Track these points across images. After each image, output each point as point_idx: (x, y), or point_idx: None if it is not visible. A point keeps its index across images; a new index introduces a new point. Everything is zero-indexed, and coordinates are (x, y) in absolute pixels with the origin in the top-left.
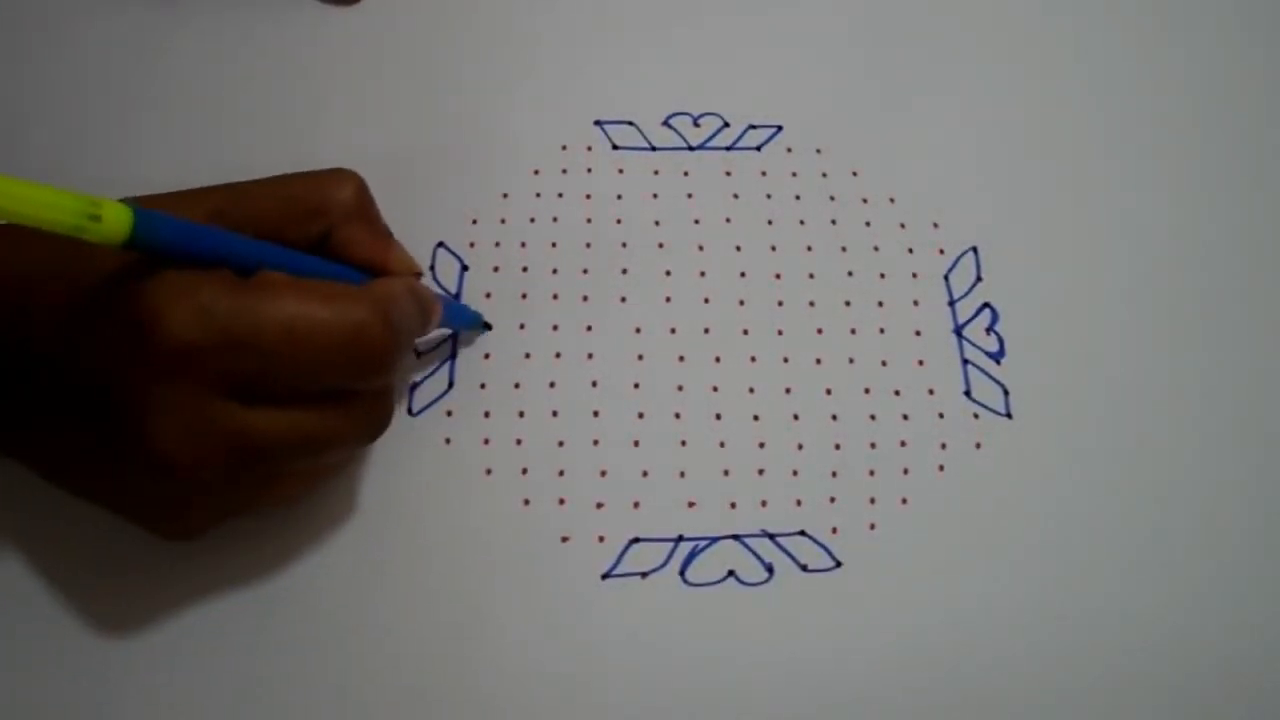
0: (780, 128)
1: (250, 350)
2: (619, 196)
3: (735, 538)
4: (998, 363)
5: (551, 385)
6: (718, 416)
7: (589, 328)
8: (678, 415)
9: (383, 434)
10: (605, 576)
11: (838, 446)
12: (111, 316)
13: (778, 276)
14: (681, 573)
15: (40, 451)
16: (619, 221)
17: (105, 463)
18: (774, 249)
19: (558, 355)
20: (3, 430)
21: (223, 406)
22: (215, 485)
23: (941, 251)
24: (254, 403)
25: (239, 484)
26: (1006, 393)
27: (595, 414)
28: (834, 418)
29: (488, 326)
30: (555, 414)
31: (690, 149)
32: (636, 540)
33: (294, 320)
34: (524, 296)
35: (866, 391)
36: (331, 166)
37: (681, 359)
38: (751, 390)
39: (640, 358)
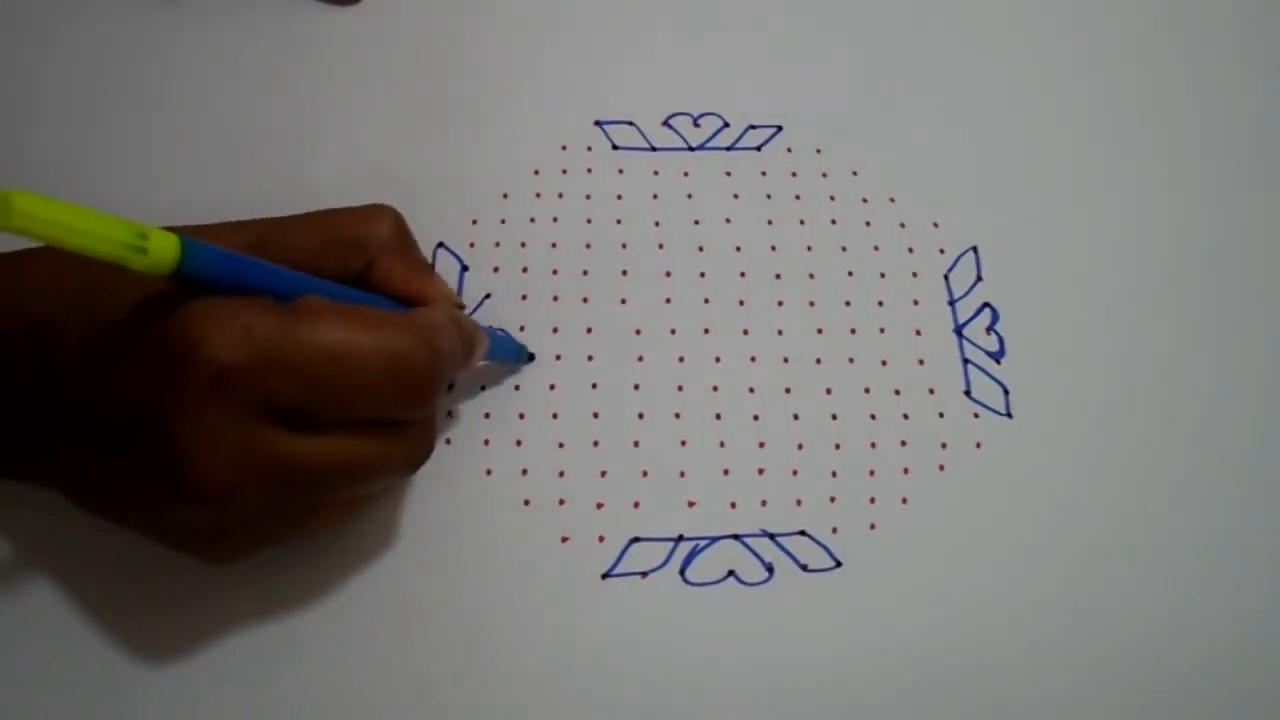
0: (780, 128)
1: (293, 375)
2: (619, 197)
3: (735, 537)
4: (998, 362)
5: (551, 387)
6: (718, 416)
7: (589, 329)
8: (678, 415)
9: (424, 464)
10: (605, 576)
11: (838, 446)
12: (145, 347)
13: (778, 276)
14: (681, 572)
15: (70, 477)
16: (619, 222)
17: (137, 491)
18: (774, 249)
19: (558, 357)
20: (28, 457)
21: (265, 432)
22: (255, 513)
23: (941, 251)
24: (297, 429)
25: (279, 511)
26: (1006, 392)
27: (595, 415)
28: (834, 418)
29: (531, 357)
30: (555, 415)
31: (690, 149)
32: (636, 540)
33: (338, 345)
34: (524, 298)
35: (866, 391)
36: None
37: (681, 359)
38: (751, 390)
39: (640, 359)
